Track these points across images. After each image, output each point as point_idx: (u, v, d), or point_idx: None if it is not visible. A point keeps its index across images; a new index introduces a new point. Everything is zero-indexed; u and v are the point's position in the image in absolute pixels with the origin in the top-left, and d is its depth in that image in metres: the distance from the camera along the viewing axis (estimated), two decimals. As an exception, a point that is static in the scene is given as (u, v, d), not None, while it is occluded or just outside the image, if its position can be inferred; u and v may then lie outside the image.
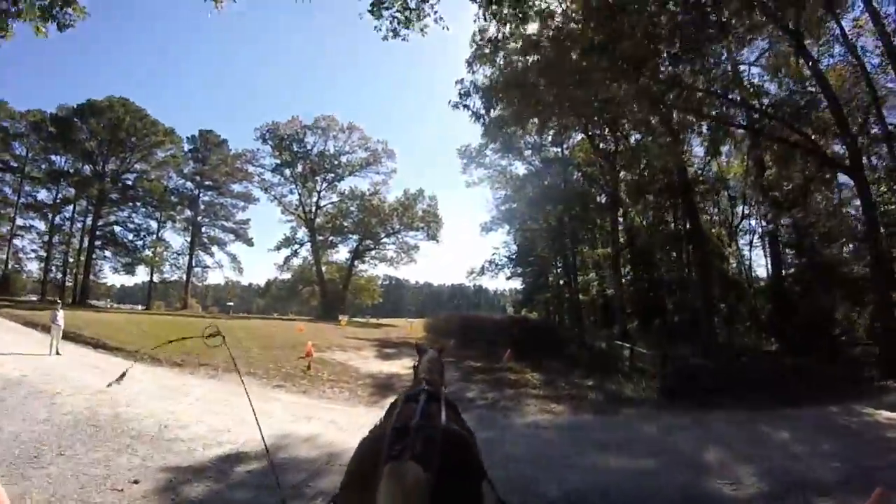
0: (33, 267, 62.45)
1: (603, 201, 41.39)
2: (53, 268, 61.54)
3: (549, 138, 40.50)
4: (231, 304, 77.72)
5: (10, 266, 60.26)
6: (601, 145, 38.07)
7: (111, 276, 76.77)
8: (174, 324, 27.59)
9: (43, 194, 59.86)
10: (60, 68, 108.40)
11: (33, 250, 61.28)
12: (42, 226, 60.47)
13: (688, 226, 30.49)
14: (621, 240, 38.74)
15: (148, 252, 61.95)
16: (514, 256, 56.50)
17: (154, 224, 63.65)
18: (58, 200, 59.19)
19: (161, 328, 23.09)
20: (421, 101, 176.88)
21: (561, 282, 52.10)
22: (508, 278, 66.17)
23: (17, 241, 60.17)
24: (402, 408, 2.96)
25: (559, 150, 41.92)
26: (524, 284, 71.01)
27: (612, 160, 36.93)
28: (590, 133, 36.95)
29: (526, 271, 59.08)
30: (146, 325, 25.63)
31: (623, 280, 39.73)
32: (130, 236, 61.83)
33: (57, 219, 60.09)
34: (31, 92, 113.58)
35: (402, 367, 16.49)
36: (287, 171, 60.72)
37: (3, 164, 56.57)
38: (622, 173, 37.55)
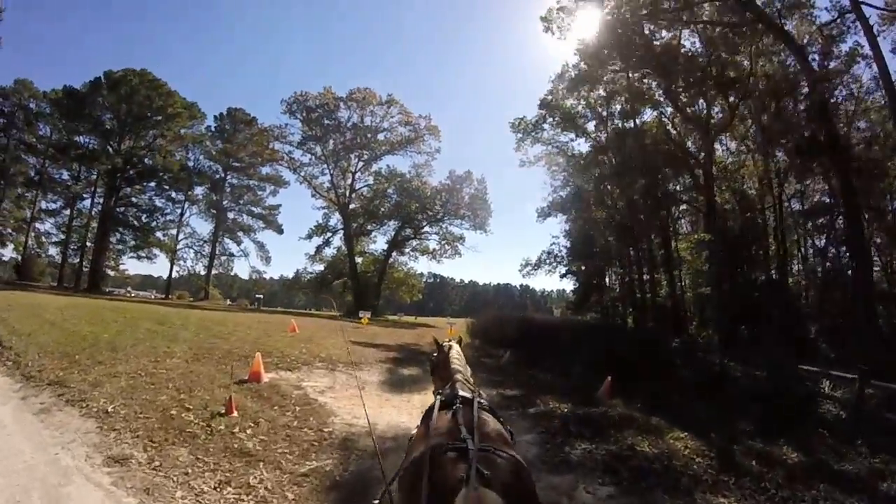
0: (55, 252, 60.68)
1: (687, 182, 34.55)
2: (71, 252, 59.21)
3: (618, 107, 37.16)
4: (260, 296, 73.11)
5: (30, 251, 58.87)
6: (689, 109, 32.55)
7: (133, 264, 73.65)
8: (118, 311, 23.50)
9: (66, 176, 58.15)
10: (89, 51, 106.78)
11: (52, 233, 59.73)
12: (64, 209, 58.67)
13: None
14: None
15: (159, 234, 58.57)
16: (568, 251, 48.90)
17: (168, 205, 60.90)
18: (75, 181, 57.29)
19: (88, 318, 19.31)
20: (470, 78, 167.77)
21: (630, 279, 44.77)
22: (563, 276, 60.51)
23: (38, 226, 59.15)
24: (441, 418, 2.94)
25: (631, 123, 36.26)
26: (577, 283, 65.33)
27: (706, 125, 30.23)
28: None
29: (581, 269, 52.16)
30: (81, 313, 20.71)
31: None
32: (144, 217, 58.58)
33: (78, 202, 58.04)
34: (55, 73, 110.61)
35: (423, 409, 8.78)
36: (318, 149, 55.81)
37: (27, 146, 55.03)
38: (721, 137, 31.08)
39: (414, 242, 59.92)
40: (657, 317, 37.61)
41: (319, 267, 61.57)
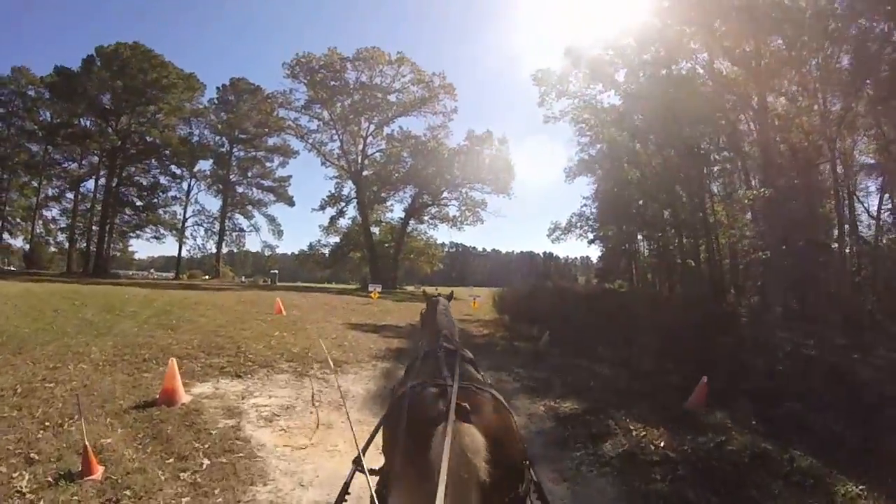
0: (63, 238, 59.16)
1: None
2: (78, 237, 57.69)
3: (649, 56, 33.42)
4: (275, 271, 71.31)
5: (37, 239, 58.43)
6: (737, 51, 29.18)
7: (151, 247, 72.37)
8: (74, 297, 20.41)
9: (68, 160, 56.54)
10: (88, 35, 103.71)
11: (59, 220, 58.52)
12: (69, 193, 57.23)
13: None
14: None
15: (163, 212, 57.12)
16: (596, 214, 47.75)
17: (172, 182, 59.02)
18: (79, 164, 55.98)
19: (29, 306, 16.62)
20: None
21: (664, 244, 41.91)
22: (591, 242, 57.96)
23: (46, 213, 58.12)
24: (425, 364, 3.11)
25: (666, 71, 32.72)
26: (604, 249, 62.80)
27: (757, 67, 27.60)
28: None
29: (608, 234, 49.24)
30: (28, 302, 17.98)
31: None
32: (146, 196, 56.95)
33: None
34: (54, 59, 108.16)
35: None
36: (325, 113, 52.85)
37: (28, 133, 53.54)
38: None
39: (433, 209, 57.47)
40: (694, 285, 34.89)
41: (335, 239, 59.35)
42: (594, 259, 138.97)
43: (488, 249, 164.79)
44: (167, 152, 54.59)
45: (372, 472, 2.59)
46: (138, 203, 56.66)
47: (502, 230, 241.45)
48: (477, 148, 52.24)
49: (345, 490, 2.75)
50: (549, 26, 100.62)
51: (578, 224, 49.22)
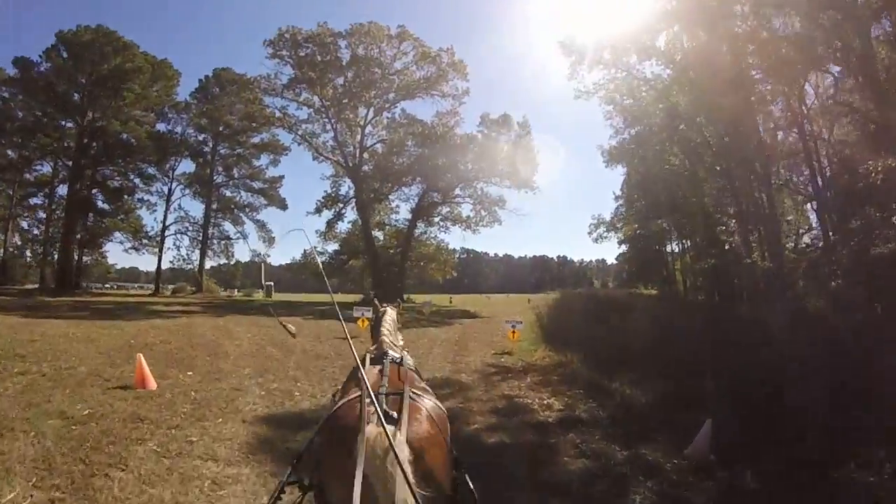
0: (37, 249, 54.48)
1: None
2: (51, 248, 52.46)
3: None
4: (270, 283, 65.21)
5: (10, 251, 53.68)
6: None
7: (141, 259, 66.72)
8: None
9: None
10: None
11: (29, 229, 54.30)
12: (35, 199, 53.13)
13: None
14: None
15: (126, 217, 51.36)
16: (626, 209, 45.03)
17: (145, 183, 53.15)
18: (52, 166, 51.15)
19: None
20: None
21: (711, 240, 35.80)
22: (622, 241, 52.89)
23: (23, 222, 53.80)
24: (370, 372, 3.11)
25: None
26: (632, 250, 57.37)
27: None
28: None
29: (639, 233, 46.03)
30: None
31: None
32: (113, 199, 51.26)
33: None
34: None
35: None
36: (315, 99, 46.23)
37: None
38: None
39: (443, 209, 51.08)
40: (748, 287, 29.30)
41: (334, 246, 53.36)
42: (609, 261, 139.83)
43: (500, 255, 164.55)
44: (138, 149, 48.55)
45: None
46: (105, 207, 51.16)
47: (513, 234, 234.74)
48: (493, 134, 45.93)
49: (279, 490, 2.80)
50: None
51: (618, 221, 44.70)
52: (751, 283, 31.16)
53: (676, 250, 52.64)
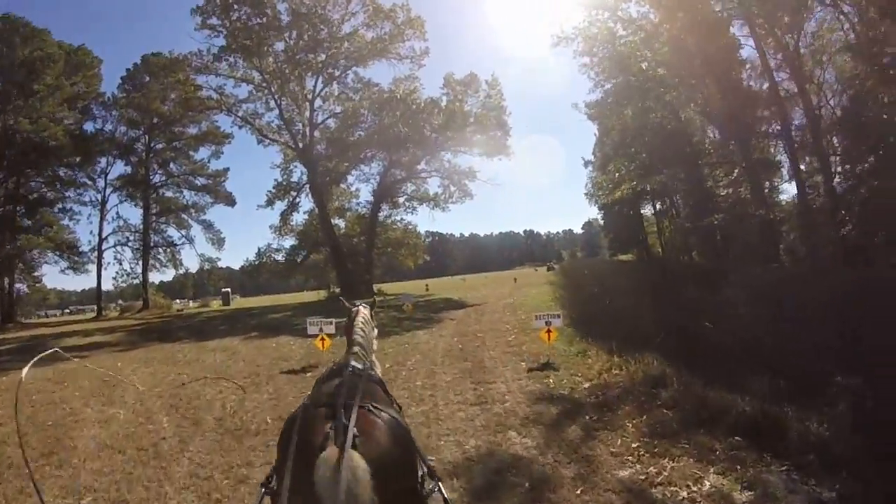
0: None
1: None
2: None
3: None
4: (227, 290, 60.36)
5: None
6: None
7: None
8: None
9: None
10: None
11: None
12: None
13: None
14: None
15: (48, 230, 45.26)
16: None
17: (59, 190, 47.28)
18: None
19: None
20: None
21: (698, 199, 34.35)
22: (602, 207, 51.60)
23: None
24: (328, 385, 3.03)
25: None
26: (609, 218, 59.73)
27: None
28: None
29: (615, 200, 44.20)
30: None
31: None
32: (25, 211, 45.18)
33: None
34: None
35: None
36: (255, 74, 41.09)
37: None
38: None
39: (408, 188, 46.96)
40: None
41: (291, 241, 48.09)
42: (577, 231, 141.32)
43: (466, 234, 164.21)
44: (51, 150, 42.36)
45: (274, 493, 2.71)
46: (26, 221, 44.96)
47: (476, 212, 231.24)
48: (459, 97, 41.56)
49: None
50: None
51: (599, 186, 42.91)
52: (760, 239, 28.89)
53: (650, 213, 51.79)
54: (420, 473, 2.74)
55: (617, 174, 37.07)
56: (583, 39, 32.32)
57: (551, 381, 10.08)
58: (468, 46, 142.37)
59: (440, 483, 2.88)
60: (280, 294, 68.73)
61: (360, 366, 3.26)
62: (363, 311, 4.23)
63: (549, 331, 11.81)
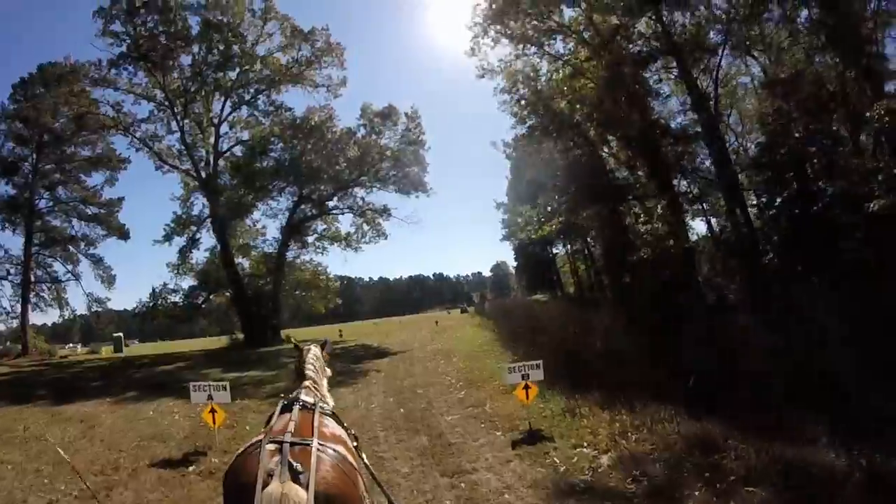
0: None
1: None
2: None
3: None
4: (119, 334, 55.35)
5: None
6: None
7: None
8: None
9: None
10: None
11: None
12: None
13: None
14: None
15: None
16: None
17: None
18: None
19: None
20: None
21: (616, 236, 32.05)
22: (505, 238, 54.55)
23: None
24: (279, 421, 3.05)
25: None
26: (521, 257, 59.93)
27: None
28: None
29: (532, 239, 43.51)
30: None
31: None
32: None
33: None
34: None
35: None
36: (157, 92, 37.87)
37: None
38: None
39: (318, 225, 44.47)
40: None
41: (190, 281, 44.00)
42: (486, 274, 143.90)
43: (375, 278, 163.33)
44: None
45: None
46: None
47: (384, 256, 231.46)
48: (377, 130, 40.04)
49: None
50: None
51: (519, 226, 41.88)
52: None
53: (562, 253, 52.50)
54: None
55: (549, 208, 35.94)
56: (505, 76, 31.91)
57: (554, 458, 7.63)
58: (387, 77, 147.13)
59: None
60: (183, 339, 63.53)
61: (310, 399, 3.37)
62: (314, 349, 4.34)
63: (527, 386, 9.41)
